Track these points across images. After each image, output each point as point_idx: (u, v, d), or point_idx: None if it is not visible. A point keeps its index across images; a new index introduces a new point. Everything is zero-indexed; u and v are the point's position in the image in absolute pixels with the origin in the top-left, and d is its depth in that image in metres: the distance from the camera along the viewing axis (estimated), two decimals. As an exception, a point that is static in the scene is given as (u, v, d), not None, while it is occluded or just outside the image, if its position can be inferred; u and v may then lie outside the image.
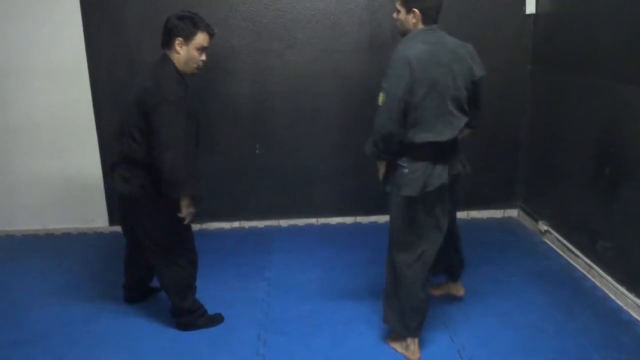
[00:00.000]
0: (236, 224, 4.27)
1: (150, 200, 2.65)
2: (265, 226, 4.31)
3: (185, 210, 2.67)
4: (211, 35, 2.66)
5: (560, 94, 3.67)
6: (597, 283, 3.26)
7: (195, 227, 4.19)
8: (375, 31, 3.95)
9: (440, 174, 2.51)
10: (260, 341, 2.80)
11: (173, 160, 2.51)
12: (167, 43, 2.61)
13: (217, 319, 2.99)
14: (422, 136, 2.46)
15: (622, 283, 3.05)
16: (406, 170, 2.50)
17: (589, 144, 3.33)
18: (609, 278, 3.15)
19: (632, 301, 2.94)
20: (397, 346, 2.72)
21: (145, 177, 2.63)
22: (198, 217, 4.21)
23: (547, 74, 3.86)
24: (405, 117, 2.44)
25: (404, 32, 2.57)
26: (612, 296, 3.12)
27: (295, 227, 4.29)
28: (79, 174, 4.17)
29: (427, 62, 2.41)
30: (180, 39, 2.57)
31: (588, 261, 3.36)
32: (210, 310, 3.01)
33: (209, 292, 3.15)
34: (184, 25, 2.57)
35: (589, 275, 3.35)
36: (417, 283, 2.60)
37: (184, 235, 2.82)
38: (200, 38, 2.60)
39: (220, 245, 3.92)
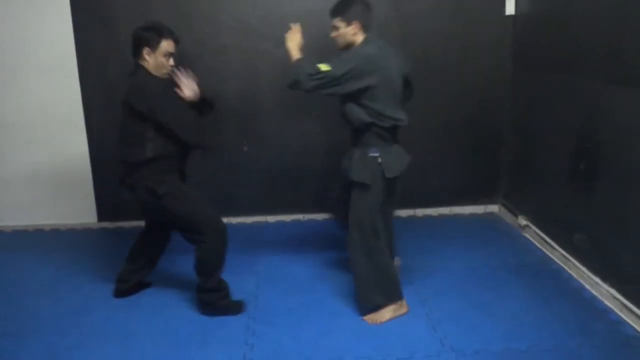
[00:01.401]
0: (224, 220, 4.31)
1: (159, 197, 2.80)
2: (253, 222, 4.38)
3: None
4: (175, 41, 2.87)
5: (539, 93, 3.78)
6: (574, 274, 3.38)
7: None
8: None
9: (403, 152, 2.99)
10: (249, 331, 2.88)
11: (192, 135, 2.81)
12: (137, 53, 2.82)
13: (238, 306, 3.08)
14: (389, 120, 2.86)
15: (596, 273, 3.17)
16: (379, 158, 2.87)
17: (566, 141, 3.44)
18: (585, 269, 3.27)
19: (606, 290, 3.06)
20: (390, 314, 2.97)
21: (148, 177, 2.80)
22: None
23: (527, 73, 3.98)
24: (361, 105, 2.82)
25: (346, 46, 2.89)
26: (587, 286, 3.23)
27: (282, 222, 4.37)
28: (69, 170, 4.21)
29: (380, 57, 2.80)
30: (147, 48, 2.79)
31: (565, 253, 3.48)
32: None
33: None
34: (149, 35, 2.79)
35: (565, 267, 3.47)
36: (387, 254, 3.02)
37: (203, 213, 2.94)
38: (165, 45, 2.81)
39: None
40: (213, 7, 3.95)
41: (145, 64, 2.81)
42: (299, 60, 2.81)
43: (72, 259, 3.78)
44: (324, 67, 2.72)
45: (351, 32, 2.86)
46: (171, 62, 2.85)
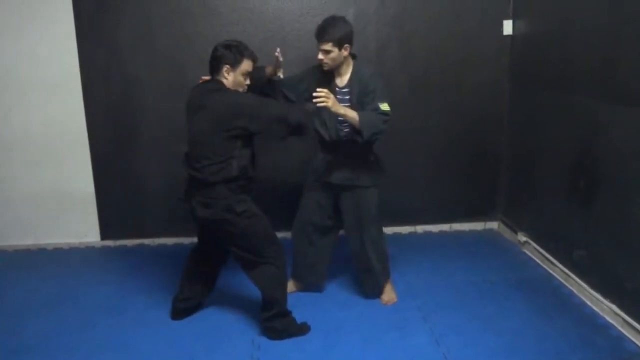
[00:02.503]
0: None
1: (237, 216, 2.78)
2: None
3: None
4: (254, 61, 2.89)
5: (537, 111, 3.84)
6: (574, 290, 3.41)
7: (186, 240, 4.32)
8: (359, 38, 4.09)
9: None
10: (254, 346, 2.90)
11: (295, 119, 2.85)
12: (216, 70, 2.83)
13: (304, 328, 3.05)
14: None
15: (597, 290, 3.20)
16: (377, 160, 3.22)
17: (564, 157, 3.49)
18: (585, 285, 3.30)
19: (607, 306, 3.09)
20: (393, 293, 3.38)
21: (227, 195, 2.77)
22: (189, 232, 4.31)
23: (525, 91, 4.04)
24: None
25: (335, 67, 3.03)
26: (588, 302, 3.26)
27: (284, 239, 4.37)
28: (72, 188, 4.24)
29: None
30: (228, 66, 2.80)
31: (565, 270, 3.51)
32: (206, 317, 3.15)
33: (204, 300, 3.26)
34: (231, 53, 2.80)
35: (566, 283, 3.50)
36: None
37: (270, 235, 2.96)
38: (245, 64, 2.83)
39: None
40: (214, 26, 4.00)
41: (224, 81, 2.82)
42: (363, 114, 2.91)
43: (76, 278, 3.79)
44: (385, 107, 2.94)
45: (344, 55, 2.98)
46: (247, 81, 2.89)
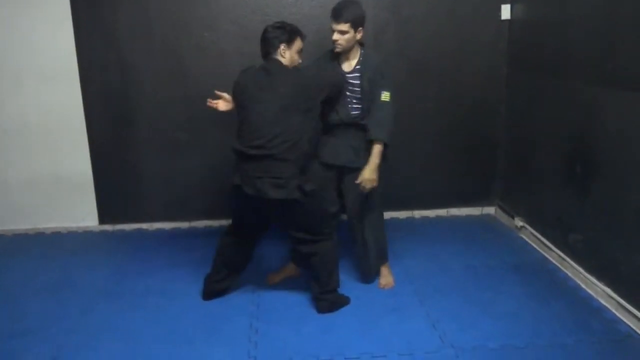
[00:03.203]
0: (224, 222, 4.37)
1: (305, 196, 2.83)
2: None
3: None
4: (303, 39, 3.01)
5: (534, 96, 3.85)
6: (570, 274, 3.44)
7: (184, 225, 4.34)
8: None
9: None
10: (252, 329, 2.92)
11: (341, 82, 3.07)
12: (272, 50, 2.91)
13: (347, 299, 3.18)
14: None
15: (592, 273, 3.23)
16: None
17: (561, 143, 3.51)
18: (580, 269, 3.33)
19: (602, 290, 3.12)
20: (391, 276, 3.41)
21: (297, 174, 2.83)
22: (187, 216, 4.34)
23: (522, 76, 4.05)
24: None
25: (347, 49, 3.03)
26: (583, 286, 3.30)
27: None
28: (69, 173, 4.24)
29: None
30: (284, 45, 2.90)
31: (561, 254, 3.54)
32: (203, 302, 3.20)
33: (202, 287, 3.28)
34: (285, 32, 2.91)
35: (562, 267, 3.53)
36: None
37: (327, 211, 3.13)
38: (299, 42, 2.96)
39: (209, 242, 3.97)
40: (212, 12, 3.99)
41: (283, 60, 2.90)
42: (375, 130, 3.04)
43: (74, 262, 3.80)
44: (386, 97, 3.04)
45: (357, 37, 3.01)
46: (301, 59, 3.01)
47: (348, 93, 3.08)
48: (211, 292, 3.22)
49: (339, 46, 3.00)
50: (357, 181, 3.04)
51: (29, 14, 3.94)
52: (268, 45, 2.90)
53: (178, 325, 2.99)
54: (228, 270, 3.19)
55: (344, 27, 2.94)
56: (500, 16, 4.15)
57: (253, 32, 4.02)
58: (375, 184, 3.05)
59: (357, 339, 2.83)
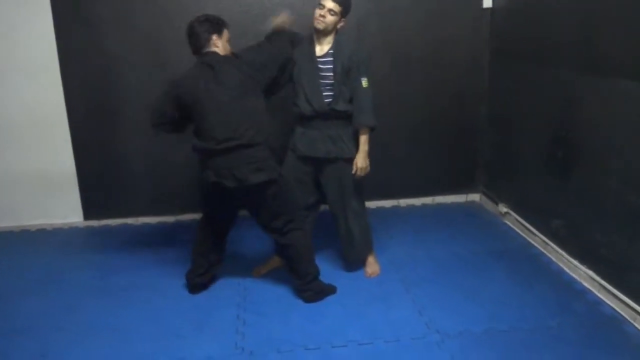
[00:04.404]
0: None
1: (280, 175, 2.93)
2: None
3: None
4: (229, 28, 3.02)
5: (516, 83, 3.88)
6: (553, 258, 3.48)
7: (170, 219, 4.33)
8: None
9: None
10: (239, 320, 2.94)
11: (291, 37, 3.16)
12: (204, 43, 2.90)
13: (333, 288, 3.20)
14: None
15: (574, 257, 3.27)
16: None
17: (543, 130, 3.54)
18: (563, 253, 3.37)
19: (584, 272, 3.17)
20: (377, 265, 3.42)
21: (269, 155, 2.88)
22: (173, 210, 4.33)
23: (504, 64, 4.07)
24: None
25: (325, 31, 3.02)
26: (566, 269, 3.34)
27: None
28: (53, 169, 4.20)
29: None
30: (215, 35, 2.90)
31: (544, 238, 3.58)
32: (190, 294, 3.20)
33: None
34: (212, 24, 2.91)
35: (545, 252, 3.58)
36: None
37: (294, 198, 3.13)
38: (227, 32, 2.98)
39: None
40: (195, 2, 3.95)
41: (218, 50, 2.91)
42: (360, 117, 3.07)
43: (60, 258, 3.78)
44: (365, 83, 3.05)
45: (339, 25, 3.05)
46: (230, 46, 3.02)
47: (320, 80, 3.07)
48: (195, 285, 3.23)
49: (322, 23, 2.99)
50: (352, 171, 3.11)
51: (6, 6, 3.87)
52: (200, 39, 2.88)
53: (166, 319, 2.99)
54: (208, 264, 3.21)
55: (335, 7, 2.96)
56: (482, 4, 4.16)
57: (233, 21, 4.00)
58: (368, 170, 3.13)
59: (343, 328, 2.85)
